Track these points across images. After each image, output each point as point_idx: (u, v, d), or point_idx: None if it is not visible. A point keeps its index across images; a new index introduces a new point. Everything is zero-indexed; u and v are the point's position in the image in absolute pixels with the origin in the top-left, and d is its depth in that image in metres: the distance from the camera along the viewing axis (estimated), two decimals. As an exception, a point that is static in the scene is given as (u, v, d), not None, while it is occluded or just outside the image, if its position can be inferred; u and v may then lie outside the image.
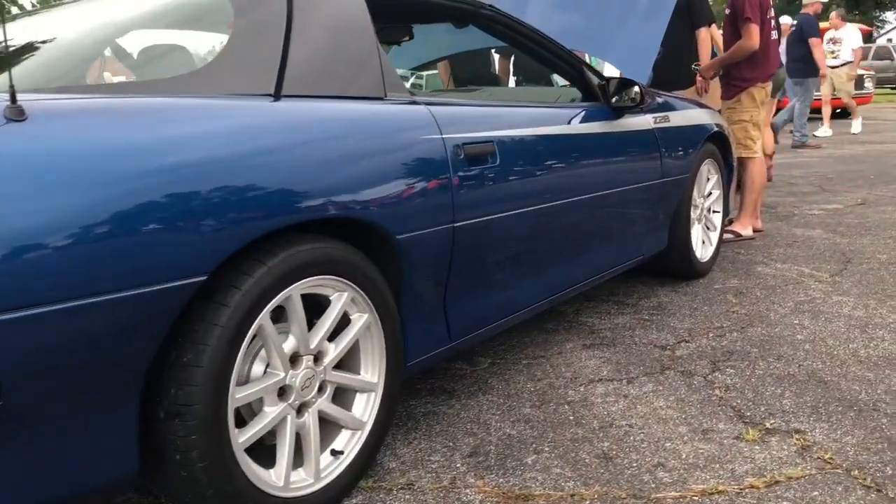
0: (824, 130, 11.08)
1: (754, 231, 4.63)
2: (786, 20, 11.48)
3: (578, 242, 2.72)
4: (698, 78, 4.85)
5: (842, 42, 11.11)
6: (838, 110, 12.61)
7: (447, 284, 2.11)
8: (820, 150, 9.34)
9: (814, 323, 2.99)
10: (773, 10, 4.49)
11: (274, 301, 1.60)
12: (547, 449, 2.08)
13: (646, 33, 3.47)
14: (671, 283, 3.61)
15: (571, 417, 2.26)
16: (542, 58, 2.92)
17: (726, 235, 4.43)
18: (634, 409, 2.30)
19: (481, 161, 2.16)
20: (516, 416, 2.29)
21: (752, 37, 4.32)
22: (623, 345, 2.85)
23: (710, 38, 5.01)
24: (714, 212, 3.85)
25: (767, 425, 2.16)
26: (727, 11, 4.56)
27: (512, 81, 5.64)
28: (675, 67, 5.04)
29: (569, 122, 2.69)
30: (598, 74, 2.95)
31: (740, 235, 4.47)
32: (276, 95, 1.78)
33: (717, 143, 3.74)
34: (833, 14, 11.61)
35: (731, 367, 2.59)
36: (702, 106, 3.86)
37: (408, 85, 5.19)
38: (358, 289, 1.80)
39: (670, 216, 3.36)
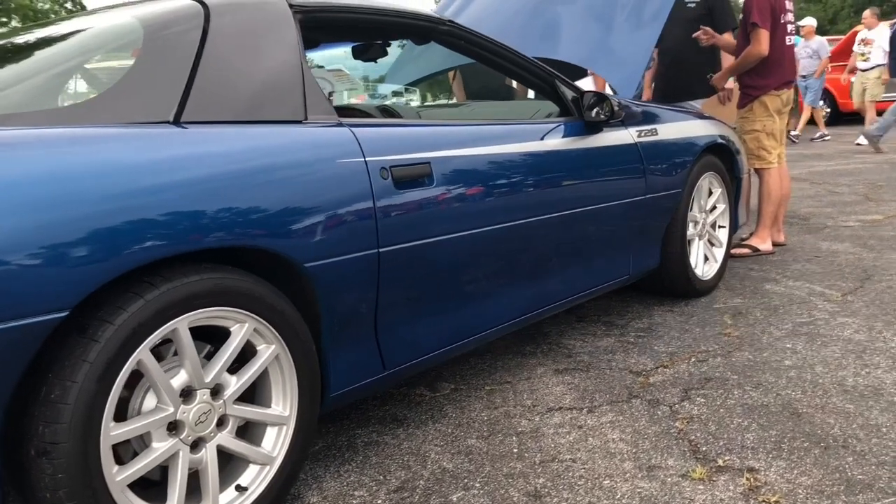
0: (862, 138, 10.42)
1: (775, 245, 4.41)
2: (809, 22, 10.98)
3: (541, 265, 2.61)
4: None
5: (873, 43, 10.44)
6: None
7: (377, 312, 2.04)
8: (877, 155, 8.91)
9: (807, 347, 2.80)
10: (790, 14, 4.27)
11: (155, 335, 1.56)
12: (478, 485, 1.98)
13: (635, 43, 3.33)
14: (670, 303, 3.45)
15: (515, 450, 2.16)
16: (510, 72, 2.83)
17: (742, 250, 4.24)
18: (585, 442, 2.18)
19: (414, 183, 2.09)
20: (459, 447, 2.20)
21: (761, 42, 4.12)
22: (597, 370, 2.72)
23: (733, 44, 4.81)
24: (719, 227, 3.67)
25: (720, 462, 2.02)
26: (741, 17, 4.38)
27: (531, 93, 5.52)
28: (696, 76, 4.87)
29: (531, 140, 2.58)
30: (574, 88, 2.83)
31: (758, 250, 4.26)
32: (176, 122, 1.74)
33: (719, 155, 3.57)
34: (867, 12, 10.93)
35: (702, 396, 2.44)
36: (704, 117, 3.69)
37: (401, 100, 5.13)
38: (261, 320, 1.74)
39: (662, 233, 3.21)
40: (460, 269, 2.27)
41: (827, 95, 14.13)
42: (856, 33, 14.08)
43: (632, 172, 2.96)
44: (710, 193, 3.57)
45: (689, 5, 5.02)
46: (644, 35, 3.33)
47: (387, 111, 3.35)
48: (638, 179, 2.97)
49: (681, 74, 5.01)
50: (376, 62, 3.10)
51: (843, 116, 13.97)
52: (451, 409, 2.46)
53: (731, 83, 4.66)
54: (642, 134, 3.03)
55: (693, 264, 3.42)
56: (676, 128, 3.27)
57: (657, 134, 3.11)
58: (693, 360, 2.76)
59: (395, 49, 4.03)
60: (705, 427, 2.23)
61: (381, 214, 1.97)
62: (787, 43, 4.27)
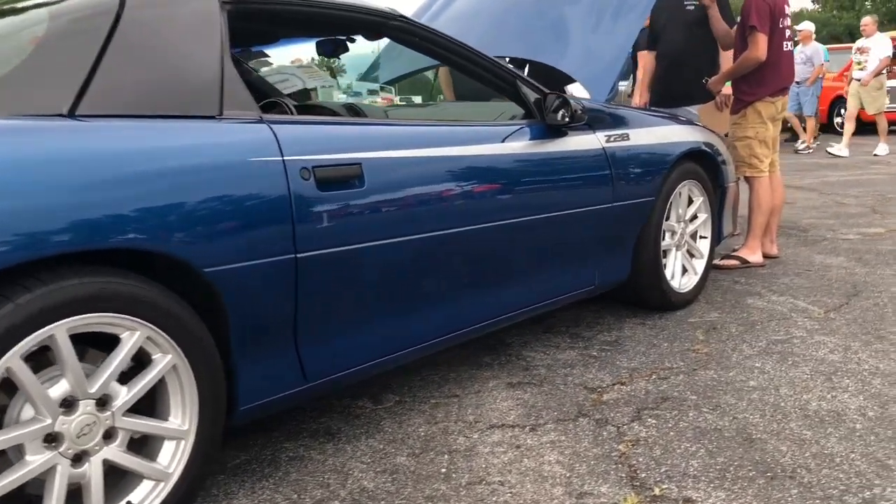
0: (839, 149, 10.04)
1: (767, 257, 4.24)
2: (807, 26, 10.64)
3: (491, 273, 2.49)
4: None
5: (869, 52, 10.07)
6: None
7: (297, 321, 1.93)
8: (893, 167, 8.67)
9: (777, 367, 2.65)
10: (788, 18, 4.11)
11: (27, 341, 1.46)
12: (394, 507, 1.86)
13: (611, 46, 3.19)
14: (643, 315, 3.31)
15: (444, 470, 2.04)
16: (468, 71, 2.70)
17: (730, 262, 4.08)
18: (519, 463, 2.06)
19: (341, 185, 1.98)
20: (386, 465, 2.08)
21: (759, 47, 3.97)
22: (551, 385, 2.59)
23: (730, 35, 4.64)
24: (701, 238, 3.52)
25: (656, 491, 1.89)
26: (738, 19, 4.22)
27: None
28: (694, 80, 4.72)
29: (483, 142, 2.46)
30: (537, 89, 2.70)
31: (747, 262, 4.10)
32: (71, 114, 1.64)
33: (702, 163, 3.42)
34: (867, 19, 10.53)
35: (654, 417, 2.30)
36: (688, 123, 3.54)
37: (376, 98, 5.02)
38: (155, 327, 1.63)
39: (633, 242, 3.07)
40: (395, 278, 2.16)
41: (846, 104, 13.83)
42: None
43: (597, 179, 2.82)
44: (691, 202, 3.42)
45: (689, 7, 4.88)
46: (620, 38, 3.19)
47: (353, 109, 3.25)
48: (604, 186, 2.84)
49: (678, 79, 4.85)
50: (339, 58, 2.99)
51: (864, 126, 13.67)
52: (388, 423, 2.34)
53: (727, 88, 4.51)
54: (612, 139, 2.90)
55: (669, 276, 3.28)
56: (651, 133, 3.12)
57: (628, 139, 2.97)
58: (654, 377, 2.62)
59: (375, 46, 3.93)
60: (650, 451, 2.09)
61: (300, 217, 1.86)
62: (785, 49, 4.11)
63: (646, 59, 5.30)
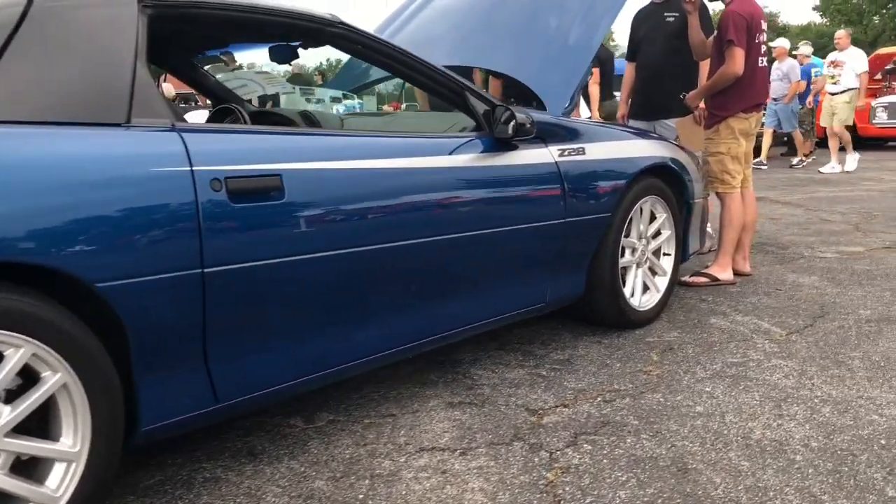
0: (831, 166, 9.92)
1: (739, 274, 4.16)
2: (782, 43, 10.52)
3: (428, 291, 2.41)
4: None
5: (844, 66, 9.91)
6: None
7: (206, 338, 1.85)
8: (883, 183, 8.58)
9: (727, 392, 2.57)
10: (764, 34, 4.03)
11: None
12: (300, 536, 1.78)
13: (571, 59, 3.11)
14: (601, 333, 3.22)
15: (362, 496, 1.96)
16: (414, 81, 2.63)
17: (699, 279, 4.00)
18: (441, 490, 1.98)
19: (258, 197, 1.90)
20: (303, 489, 2.00)
21: (736, 62, 3.89)
22: (492, 405, 2.51)
23: (707, 46, 4.56)
24: (664, 255, 3.44)
25: (576, 524, 1.80)
26: (716, 32, 4.15)
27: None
28: (673, 92, 4.65)
29: (422, 154, 2.39)
30: (487, 101, 2.63)
31: (717, 279, 4.01)
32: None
33: (666, 179, 3.34)
34: (840, 33, 10.37)
35: (591, 443, 2.22)
36: (652, 137, 3.46)
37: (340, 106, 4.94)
38: (41, 344, 1.56)
39: (588, 259, 2.99)
40: (318, 294, 2.08)
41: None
42: (877, 56, 13.70)
43: (548, 193, 2.75)
44: (654, 219, 3.34)
45: (668, 19, 4.82)
46: (579, 52, 3.11)
47: (308, 117, 3.18)
48: (556, 201, 2.76)
49: (657, 91, 4.80)
50: (290, 64, 2.92)
51: (863, 142, 13.58)
52: (315, 444, 2.26)
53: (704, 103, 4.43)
54: (565, 153, 2.82)
55: (628, 293, 3.20)
56: (610, 148, 3.04)
57: (584, 154, 2.89)
58: (599, 399, 2.54)
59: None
60: (578, 480, 2.01)
61: (208, 230, 1.79)
62: (760, 65, 4.03)
63: (626, 71, 5.24)
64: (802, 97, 11.79)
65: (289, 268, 1.97)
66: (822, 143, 13.30)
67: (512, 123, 2.54)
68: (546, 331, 3.28)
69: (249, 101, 3.50)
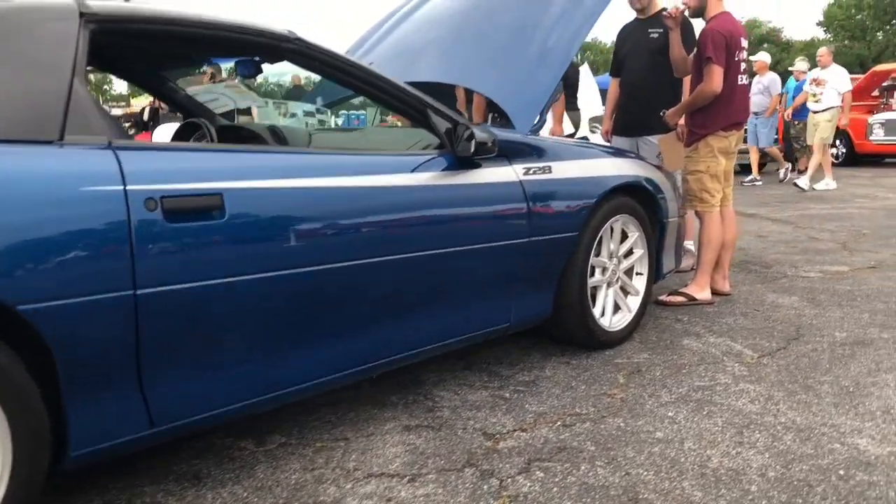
0: (826, 182, 9.76)
1: (718, 294, 4.11)
2: (762, 57, 10.41)
3: (382, 311, 2.36)
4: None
5: (826, 84, 9.83)
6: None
7: (140, 361, 1.80)
8: (876, 201, 8.53)
9: (689, 417, 2.51)
10: (744, 52, 4.00)
11: None
12: (231, 566, 1.73)
13: (539, 76, 3.07)
14: (571, 354, 3.17)
15: (301, 524, 1.90)
16: (376, 97, 2.59)
17: (677, 298, 3.95)
18: (383, 519, 1.92)
19: (196, 217, 1.86)
20: (242, 516, 1.94)
21: (713, 79, 3.86)
22: (449, 429, 2.46)
23: (686, 61, 4.53)
24: (637, 274, 3.39)
25: (516, 557, 1.74)
26: (695, 50, 4.11)
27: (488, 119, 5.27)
28: (656, 109, 4.61)
29: (381, 172, 2.35)
30: (449, 118, 2.59)
31: (694, 299, 3.96)
32: None
33: (639, 197, 3.30)
34: (822, 50, 10.30)
35: (544, 470, 2.17)
36: (624, 155, 3.42)
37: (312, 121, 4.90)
38: (-42, 367, 1.51)
39: (555, 278, 2.94)
40: (261, 316, 2.03)
41: (844, 136, 13.71)
42: (874, 73, 13.66)
43: (512, 212, 2.70)
44: (626, 238, 3.29)
45: (652, 35, 4.78)
46: (548, 70, 3.07)
47: (274, 133, 3.14)
48: (520, 220, 2.71)
49: (639, 108, 4.75)
50: (255, 79, 2.89)
51: (860, 158, 13.55)
52: (263, 468, 2.21)
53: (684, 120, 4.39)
54: (530, 171, 2.78)
55: (598, 313, 3.15)
56: (578, 166, 3.00)
57: (550, 172, 2.85)
58: (559, 423, 2.49)
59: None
60: (526, 509, 1.95)
61: (142, 251, 1.74)
62: (740, 82, 3.99)
63: (610, 87, 5.21)
64: (800, 113, 11.77)
65: (230, 289, 1.92)
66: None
67: (473, 142, 2.50)
68: (516, 351, 3.23)
69: (224, 114, 3.46)
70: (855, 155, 13.46)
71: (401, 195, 2.41)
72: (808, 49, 53.58)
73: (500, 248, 2.67)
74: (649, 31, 4.80)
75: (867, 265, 4.94)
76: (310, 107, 4.59)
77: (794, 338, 3.35)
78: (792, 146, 12.21)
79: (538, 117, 3.07)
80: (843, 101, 9.73)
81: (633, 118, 4.83)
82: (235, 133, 3.13)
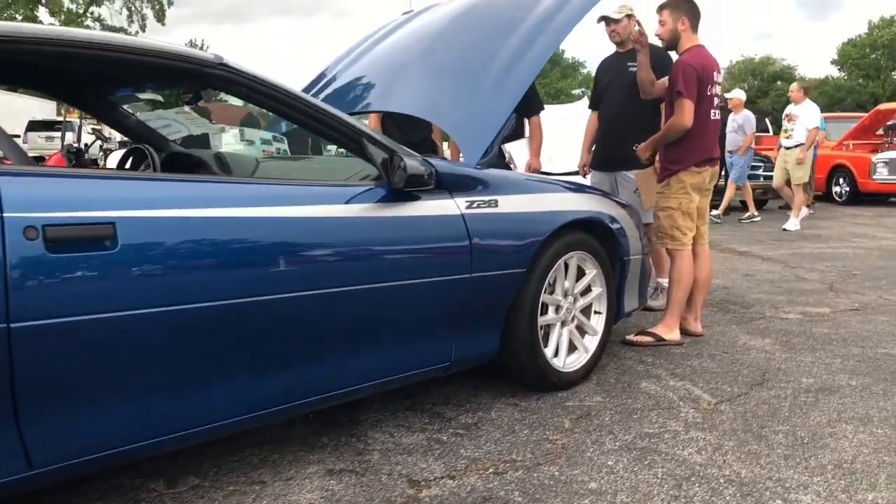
0: (793, 223, 9.42)
1: (690, 335, 3.97)
2: (737, 94, 10.18)
3: (297, 349, 2.25)
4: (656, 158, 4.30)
5: (797, 120, 9.60)
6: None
7: (16, 399, 1.70)
8: (872, 241, 8.37)
9: (629, 467, 2.38)
10: (717, 86, 3.90)
11: None
12: None
13: (491, 107, 2.99)
14: (522, 395, 3.04)
15: (187, 577, 1.78)
16: (309, 126, 2.50)
17: (644, 339, 3.82)
18: (276, 573, 1.79)
19: (84, 246, 1.76)
20: (128, 566, 1.82)
21: (684, 113, 3.77)
22: (374, 475, 2.33)
23: (660, 85, 4.43)
24: (596, 313, 3.27)
25: None
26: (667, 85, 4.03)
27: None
28: (633, 144, 4.51)
29: (302, 203, 2.26)
30: (387, 149, 2.50)
31: (663, 339, 3.83)
32: None
33: (597, 233, 3.19)
34: (794, 85, 10.10)
35: (461, 522, 2.04)
36: (582, 190, 3.31)
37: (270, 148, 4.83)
38: None
39: (502, 316, 2.83)
40: (155, 353, 1.92)
41: (847, 175, 13.58)
42: (878, 112, 13.55)
43: (452, 247, 2.60)
44: (583, 274, 3.18)
45: (631, 69, 4.70)
46: (501, 101, 2.99)
47: (220, 160, 3.06)
48: (460, 255, 2.61)
49: (617, 142, 4.67)
50: (196, 104, 2.81)
51: (863, 197, 13.40)
52: (166, 513, 2.09)
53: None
54: (474, 205, 2.68)
55: (550, 354, 3.03)
56: (527, 200, 2.90)
57: (496, 206, 2.75)
58: (491, 471, 2.36)
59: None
60: (431, 566, 1.82)
61: (17, 283, 1.65)
62: (712, 117, 3.89)
63: (588, 120, 5.13)
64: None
65: (122, 324, 1.82)
66: (824, 198, 13.18)
67: (405, 173, 2.41)
68: (465, 390, 3.11)
69: (179, 141, 3.39)
70: (858, 193, 13.30)
71: (329, 227, 2.31)
72: (822, 87, 53.64)
73: (439, 284, 2.56)
74: (628, 64, 4.72)
75: (850, 307, 4.79)
76: (267, 134, 4.51)
77: (758, 383, 3.21)
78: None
79: (491, 148, 2.96)
80: (809, 137, 9.49)
81: (610, 152, 4.75)
82: (183, 161, 3.05)
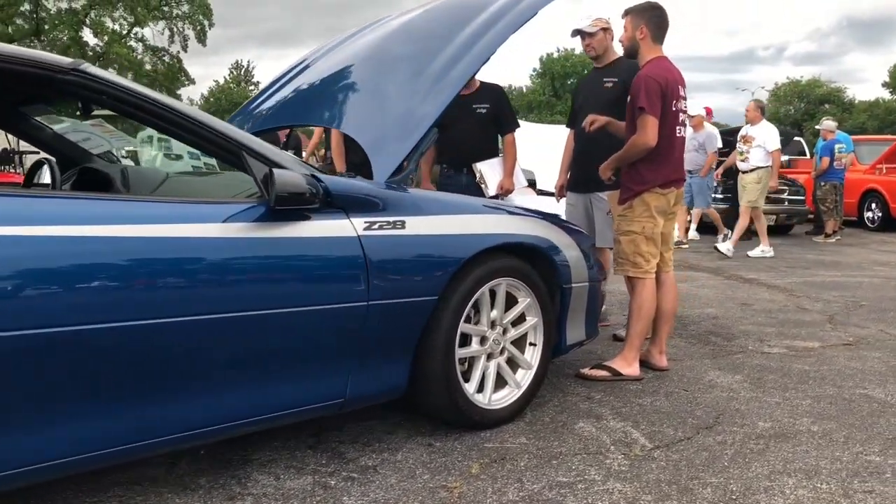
0: (762, 249, 8.84)
1: (655, 369, 3.68)
2: (700, 111, 9.49)
3: (149, 383, 2.03)
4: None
5: (753, 142, 8.91)
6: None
7: None
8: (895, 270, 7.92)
9: (522, 523, 2.11)
10: (683, 101, 3.64)
11: None
12: None
13: (406, 124, 2.77)
14: (441, 434, 2.80)
15: None
16: (181, 137, 2.31)
17: (599, 373, 3.54)
18: None
19: None
20: None
21: (647, 130, 3.51)
22: (235, 524, 2.10)
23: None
24: (531, 345, 3.00)
25: None
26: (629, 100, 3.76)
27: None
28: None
29: (175, 222, 2.07)
30: (269, 163, 2.29)
31: (620, 374, 3.54)
32: None
33: (532, 259, 2.93)
34: (749, 104, 9.35)
35: (303, 586, 1.79)
36: (518, 213, 3.05)
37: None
38: None
39: (411, 348, 2.58)
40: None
41: (878, 199, 13.05)
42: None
43: (344, 272, 2.37)
44: (515, 303, 2.92)
45: (607, 85, 4.48)
46: (416, 119, 2.77)
47: (123, 175, 2.89)
48: (355, 281, 2.38)
49: (591, 161, 4.39)
50: (87, 118, 2.64)
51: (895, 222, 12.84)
52: (-19, 563, 1.88)
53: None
54: (375, 226, 2.45)
55: (472, 389, 2.77)
56: (443, 222, 2.66)
57: (402, 227, 2.52)
58: (366, 523, 2.11)
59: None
60: None
61: None
62: (678, 134, 3.62)
63: (566, 140, 4.89)
64: (827, 174, 11.20)
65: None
66: (856, 223, 12.66)
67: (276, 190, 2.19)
68: (382, 427, 2.87)
69: (102, 155, 3.23)
70: (891, 219, 12.75)
71: (195, 247, 2.10)
72: (872, 109, 52.38)
73: (327, 312, 2.33)
74: (604, 80, 4.49)
75: (844, 341, 4.44)
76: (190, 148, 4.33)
77: (707, 426, 2.92)
78: (819, 208, 11.63)
79: (405, 166, 2.73)
80: (772, 161, 8.84)
81: (583, 173, 4.50)
82: (90, 175, 2.89)
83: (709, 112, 11.23)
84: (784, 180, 12.03)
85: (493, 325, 2.87)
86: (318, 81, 3.37)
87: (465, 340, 2.78)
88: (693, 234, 10.69)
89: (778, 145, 8.94)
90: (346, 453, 2.62)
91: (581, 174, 4.55)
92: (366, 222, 2.44)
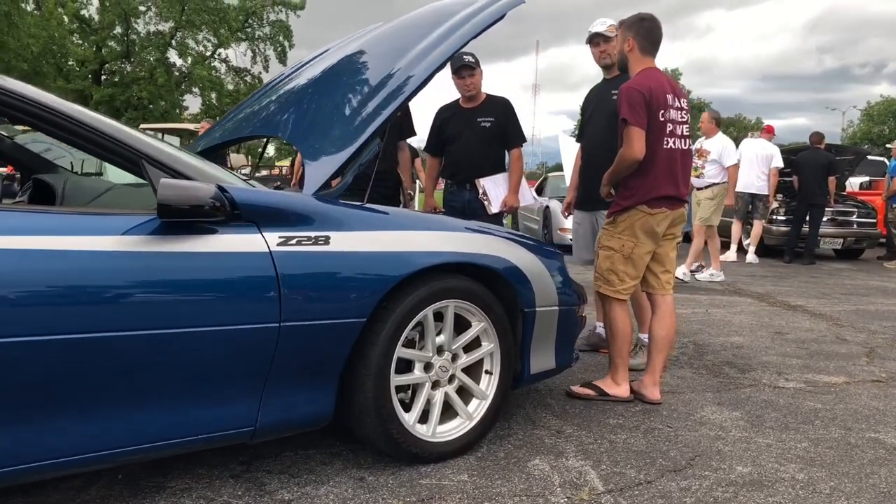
0: (711, 273, 8.14)
1: (644, 402, 3.39)
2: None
3: (41, 404, 1.91)
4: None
5: (708, 156, 8.15)
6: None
7: None
8: (962, 299, 7.31)
9: (416, 574, 1.89)
10: (674, 111, 3.36)
11: None
12: None
13: (340, 138, 2.60)
14: (381, 465, 2.61)
15: None
16: (78, 144, 2.19)
17: (586, 391, 3.31)
18: None
19: None
20: None
21: (632, 143, 3.26)
22: (108, 559, 1.95)
23: None
24: (486, 373, 2.78)
25: None
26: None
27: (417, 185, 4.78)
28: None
29: (65, 234, 1.95)
30: (172, 172, 2.15)
31: (607, 394, 3.30)
32: None
33: (488, 280, 2.72)
34: (704, 116, 8.56)
35: None
36: (469, 228, 2.82)
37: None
38: None
39: (335, 374, 2.40)
40: None
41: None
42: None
43: (253, 290, 2.20)
44: (466, 329, 2.70)
45: (614, 97, 4.21)
46: (352, 133, 2.59)
47: (64, 185, 2.80)
48: (265, 300, 2.21)
49: (597, 176, 4.14)
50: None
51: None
52: None
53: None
54: (291, 241, 2.28)
55: (411, 420, 2.56)
56: (376, 238, 2.46)
57: (326, 243, 2.34)
58: (248, 566, 1.92)
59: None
60: None
61: None
62: (666, 146, 3.34)
63: (576, 154, 4.66)
64: None
65: None
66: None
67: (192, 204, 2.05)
68: (321, 456, 2.69)
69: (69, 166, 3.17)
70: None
71: (84, 259, 1.97)
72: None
73: (231, 333, 2.17)
74: (612, 91, 4.24)
75: (875, 378, 4.04)
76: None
77: (676, 469, 2.63)
78: (891, 232, 10.94)
79: (335, 178, 2.55)
80: (728, 176, 8.14)
81: (590, 189, 4.25)
82: (39, 187, 2.82)
83: (770, 130, 10.75)
84: (853, 202, 11.38)
85: (440, 350, 2.65)
86: (282, 95, 3.27)
87: (407, 366, 2.58)
88: (752, 257, 10.21)
89: (734, 160, 8.21)
90: (267, 484, 2.44)
91: (587, 190, 4.31)
92: (280, 237, 2.27)
